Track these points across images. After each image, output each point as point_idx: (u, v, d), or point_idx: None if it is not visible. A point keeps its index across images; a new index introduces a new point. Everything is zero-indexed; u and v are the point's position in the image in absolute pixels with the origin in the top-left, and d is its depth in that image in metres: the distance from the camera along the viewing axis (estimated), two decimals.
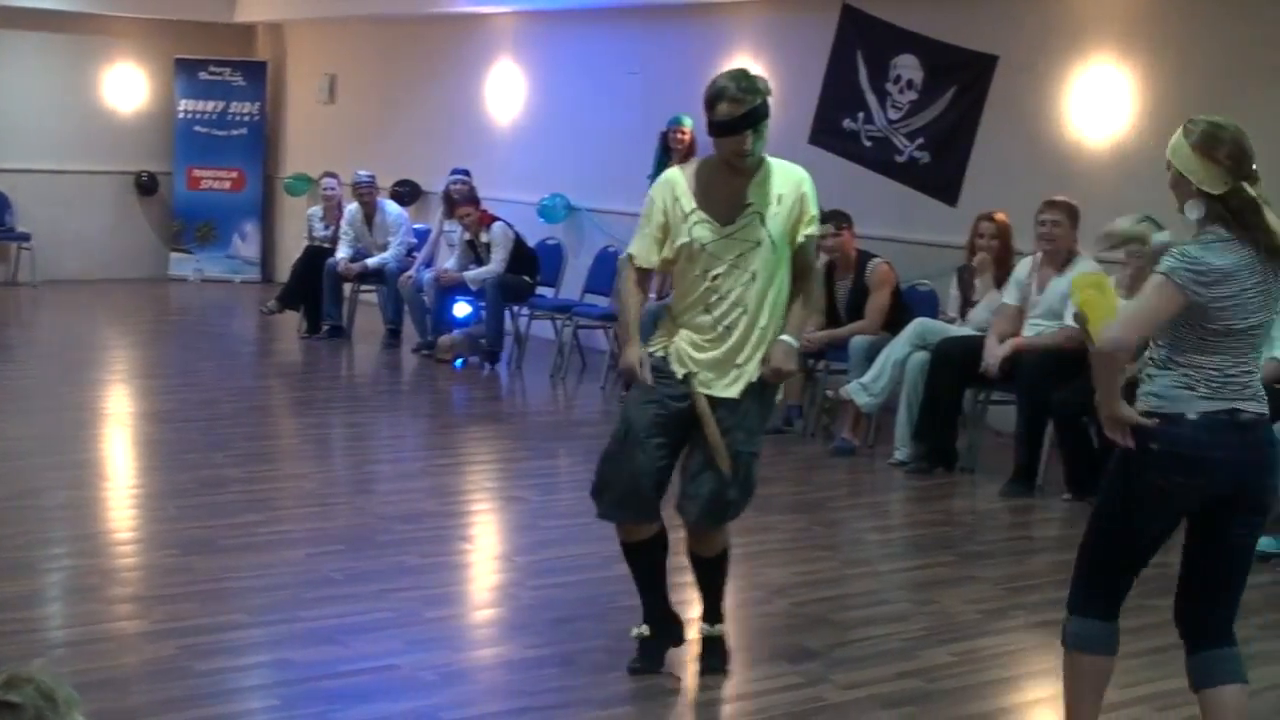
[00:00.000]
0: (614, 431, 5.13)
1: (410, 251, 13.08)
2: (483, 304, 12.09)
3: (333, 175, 13.84)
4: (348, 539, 6.83)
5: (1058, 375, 8.14)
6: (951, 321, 9.11)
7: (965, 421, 9.06)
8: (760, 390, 5.05)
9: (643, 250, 5.11)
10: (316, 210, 13.95)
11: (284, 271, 15.20)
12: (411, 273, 12.54)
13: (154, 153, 17.11)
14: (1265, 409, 4.18)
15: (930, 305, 9.61)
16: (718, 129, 4.98)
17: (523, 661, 5.38)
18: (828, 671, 5.30)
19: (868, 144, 10.82)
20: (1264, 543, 7.00)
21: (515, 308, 12.18)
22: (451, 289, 12.20)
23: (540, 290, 12.23)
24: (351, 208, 13.30)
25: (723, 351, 5.01)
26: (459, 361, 12.01)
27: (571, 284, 12.40)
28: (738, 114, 4.91)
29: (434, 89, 15.03)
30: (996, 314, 8.72)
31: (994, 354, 8.43)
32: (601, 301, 11.92)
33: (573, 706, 4.93)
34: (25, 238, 16.07)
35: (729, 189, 5.02)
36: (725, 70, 5.10)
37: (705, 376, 5.02)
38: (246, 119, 17.22)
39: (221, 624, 5.58)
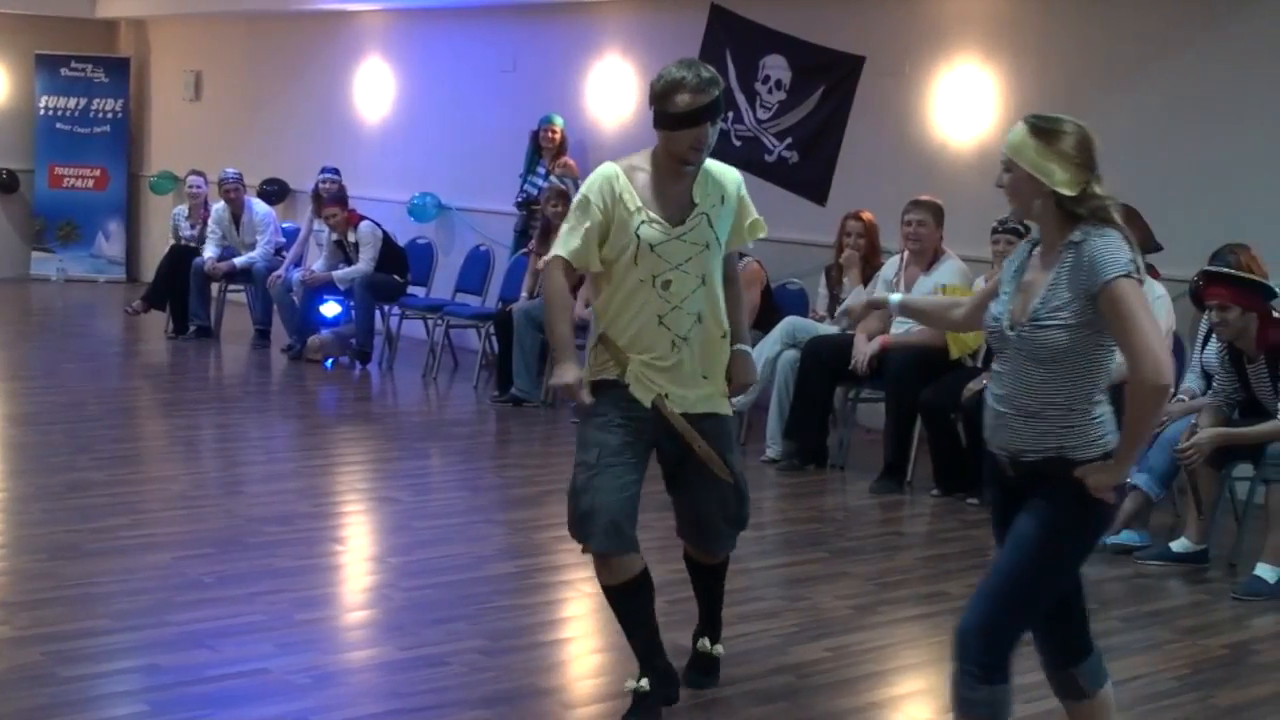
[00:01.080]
0: (580, 460, 4.75)
1: (278, 251, 12.95)
2: (352, 304, 12.01)
3: (199, 173, 13.66)
4: (217, 542, 6.75)
5: (925, 372, 8.25)
6: (821, 320, 9.19)
7: (835, 419, 9.15)
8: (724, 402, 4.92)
9: (579, 251, 4.69)
10: (182, 209, 13.76)
11: (149, 271, 14.97)
12: (280, 272, 12.41)
13: (14, 150, 16.79)
14: None
15: (800, 304, 9.70)
16: (676, 121, 4.64)
17: (396, 663, 5.34)
18: None
19: (737, 143, 10.89)
20: (1125, 536, 7.16)
21: (386, 307, 12.11)
22: (320, 289, 12.09)
23: (411, 290, 12.16)
24: (218, 206, 13.15)
25: (685, 363, 4.74)
26: (329, 362, 11.92)
27: (442, 283, 12.35)
28: (700, 105, 4.62)
29: (302, 86, 14.90)
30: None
31: (862, 351, 8.52)
32: (473, 300, 11.89)
33: (446, 707, 4.91)
34: None
35: (675, 188, 4.73)
36: (674, 62, 4.73)
37: (676, 395, 4.73)
38: (110, 116, 16.94)
39: (88, 629, 5.49)
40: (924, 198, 8.69)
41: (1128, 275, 3.72)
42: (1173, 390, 3.90)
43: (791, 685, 5.23)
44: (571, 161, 11.64)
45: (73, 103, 16.83)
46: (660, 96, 4.67)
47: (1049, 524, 3.90)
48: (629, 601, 4.90)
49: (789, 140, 10.63)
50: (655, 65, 11.32)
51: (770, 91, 10.76)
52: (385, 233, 12.02)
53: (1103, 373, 3.86)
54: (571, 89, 12.20)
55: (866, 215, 9.21)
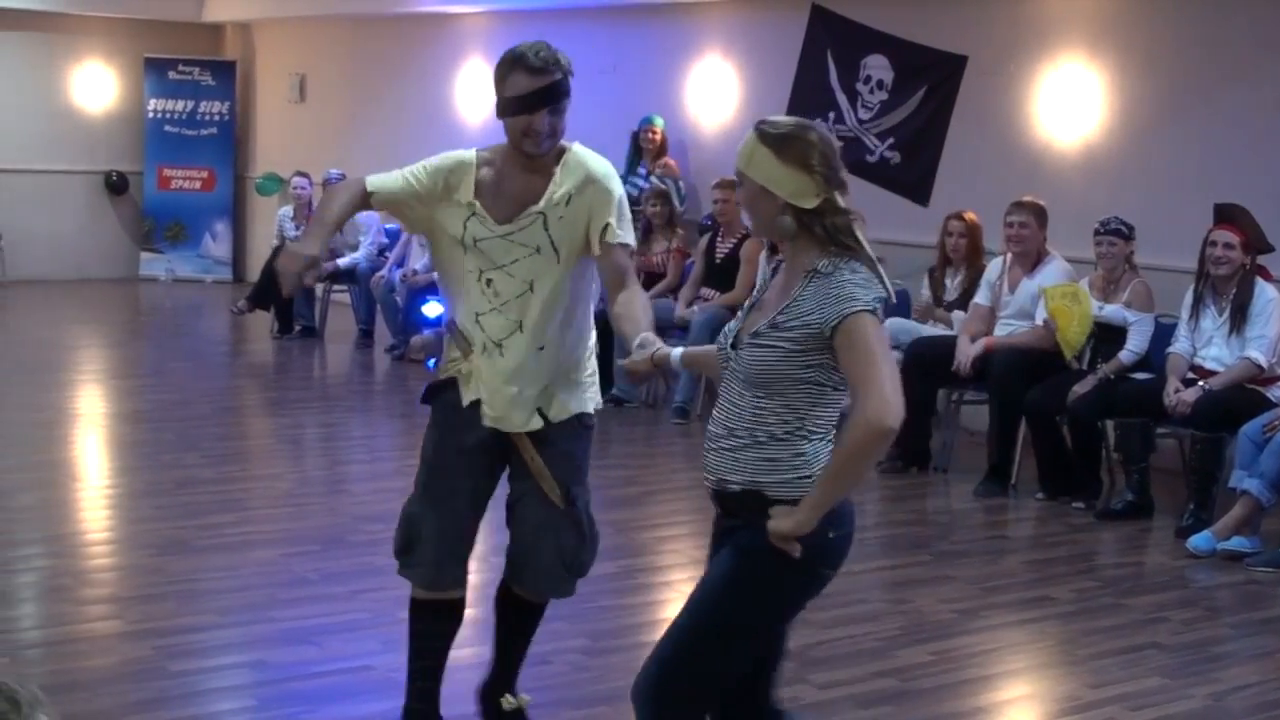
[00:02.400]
0: (417, 479, 4.45)
1: (382, 251, 13.05)
2: None
3: (304, 175, 13.80)
4: (321, 539, 6.82)
5: (1029, 374, 8.18)
6: (923, 321, 9.13)
7: (938, 421, 9.08)
8: (574, 429, 4.46)
9: (385, 180, 4.41)
10: (287, 210, 13.91)
11: (255, 271, 15.16)
12: (383, 273, 12.52)
13: (124, 152, 17.05)
14: None
15: (902, 305, 9.62)
16: (508, 106, 4.20)
17: None
18: (804, 671, 5.30)
19: (838, 144, 10.81)
20: (1235, 542, 7.05)
21: None
22: (422, 289, 12.18)
23: None
24: None
25: (499, 373, 4.28)
26: (431, 361, 11.99)
27: None
28: (534, 87, 4.15)
29: (405, 88, 15.01)
30: (969, 314, 8.75)
31: (966, 353, 8.46)
32: None
33: (547, 707, 4.93)
34: None
35: (521, 183, 4.27)
36: (526, 41, 4.30)
37: (494, 413, 4.31)
38: (216, 118, 17.16)
39: (195, 624, 5.57)
40: (1026, 199, 8.61)
41: (871, 311, 3.36)
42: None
43: (895, 689, 5.20)
44: (672, 162, 11.65)
45: (180, 105, 17.07)
46: (497, 78, 4.24)
47: (730, 572, 3.47)
48: (434, 625, 4.49)
49: (890, 140, 10.56)
50: (756, 66, 11.42)
51: (872, 92, 10.70)
52: None
53: (825, 408, 3.43)
54: (672, 90, 12.20)
55: (969, 216, 9.13)
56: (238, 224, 17.37)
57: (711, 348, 3.87)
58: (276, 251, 13.47)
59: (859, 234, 3.47)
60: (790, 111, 11.01)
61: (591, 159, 4.39)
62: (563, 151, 4.35)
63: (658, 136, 11.73)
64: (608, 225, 4.28)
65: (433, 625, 4.49)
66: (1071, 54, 9.67)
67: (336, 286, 13.48)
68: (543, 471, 4.36)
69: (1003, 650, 5.81)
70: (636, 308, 4.28)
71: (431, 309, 12.37)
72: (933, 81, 10.34)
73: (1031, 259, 8.53)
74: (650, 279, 10.83)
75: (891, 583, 6.64)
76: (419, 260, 12.42)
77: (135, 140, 17.07)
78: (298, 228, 13.60)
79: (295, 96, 16.66)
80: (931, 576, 6.68)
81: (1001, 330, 8.52)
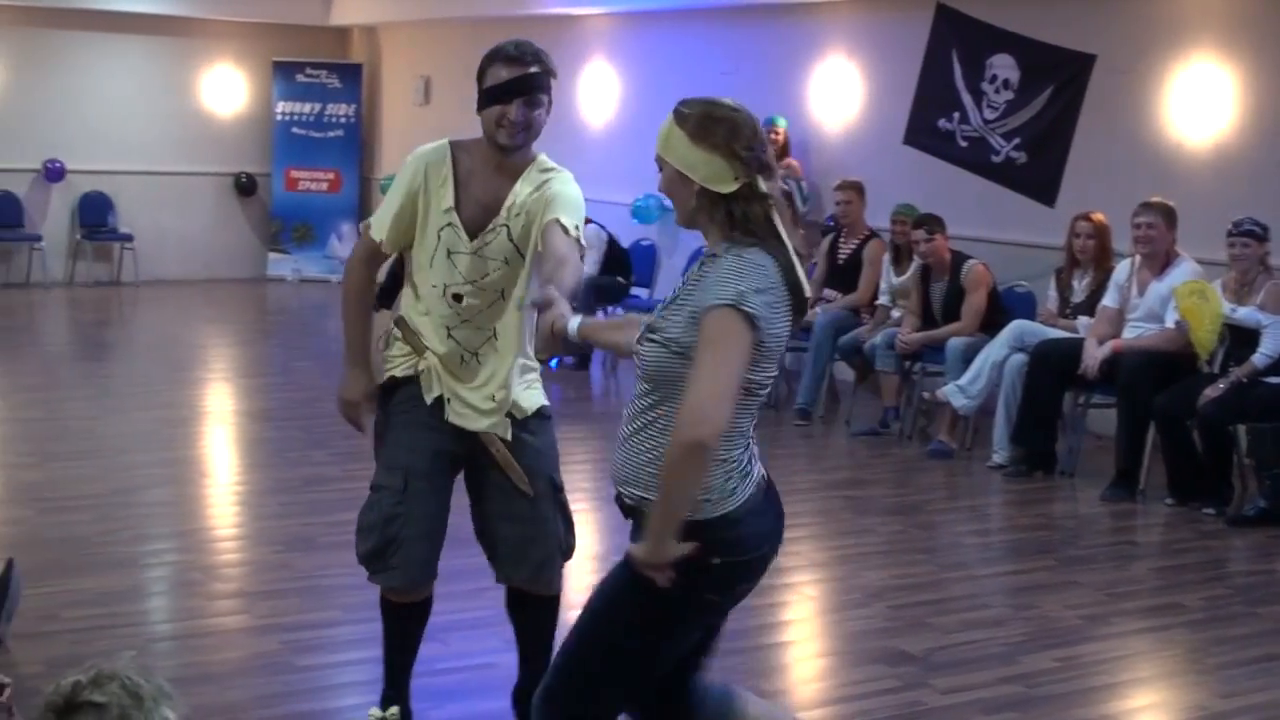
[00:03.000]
0: (381, 483, 4.35)
1: None
2: (577, 304, 12.09)
3: None
4: (446, 537, 6.85)
5: (1158, 378, 8.05)
6: (1050, 323, 9.01)
7: (1064, 424, 8.97)
8: (539, 422, 4.41)
9: (382, 225, 4.37)
10: None
11: (380, 271, 15.27)
12: None
13: (253, 154, 17.31)
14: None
15: (1028, 306, 9.53)
16: (485, 96, 4.22)
17: None
18: (927, 675, 5.27)
19: (963, 144, 10.75)
20: None
21: (609, 309, 12.20)
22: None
23: (634, 291, 12.23)
24: None
25: (476, 386, 4.28)
26: (554, 362, 12.04)
27: (665, 284, 12.40)
28: (510, 77, 4.19)
29: None
30: (1096, 316, 8.63)
31: (1093, 356, 8.34)
32: None
33: None
34: (128, 238, 16.32)
35: (488, 189, 4.26)
36: (511, 39, 4.35)
37: (462, 411, 4.28)
38: (343, 120, 17.37)
39: (322, 620, 5.64)
40: (1155, 199, 8.47)
41: (730, 306, 3.06)
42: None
43: (1020, 695, 5.14)
44: (795, 163, 11.61)
45: (308, 108, 17.30)
46: (478, 73, 4.27)
47: (611, 588, 3.28)
48: (406, 623, 4.53)
49: (1017, 140, 10.45)
50: (880, 66, 11.35)
51: (997, 91, 10.59)
52: (610, 235, 12.12)
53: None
54: (794, 90, 12.15)
55: (1097, 217, 9.00)
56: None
57: (614, 321, 3.74)
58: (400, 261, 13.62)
59: (776, 221, 3.24)
60: (915, 112, 10.96)
61: (555, 168, 4.36)
62: (532, 160, 4.33)
63: (780, 137, 11.69)
64: (548, 223, 4.10)
65: (410, 625, 4.54)
66: (1203, 52, 9.50)
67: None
68: (512, 464, 4.30)
69: (1130, 658, 5.73)
70: (564, 271, 3.90)
71: None
72: (1060, 81, 10.21)
73: (1160, 261, 8.39)
74: None
75: (1016, 588, 6.56)
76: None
77: (263, 142, 17.33)
78: None
79: (420, 99, 16.81)
80: (1057, 582, 6.59)
81: (1130, 333, 8.40)
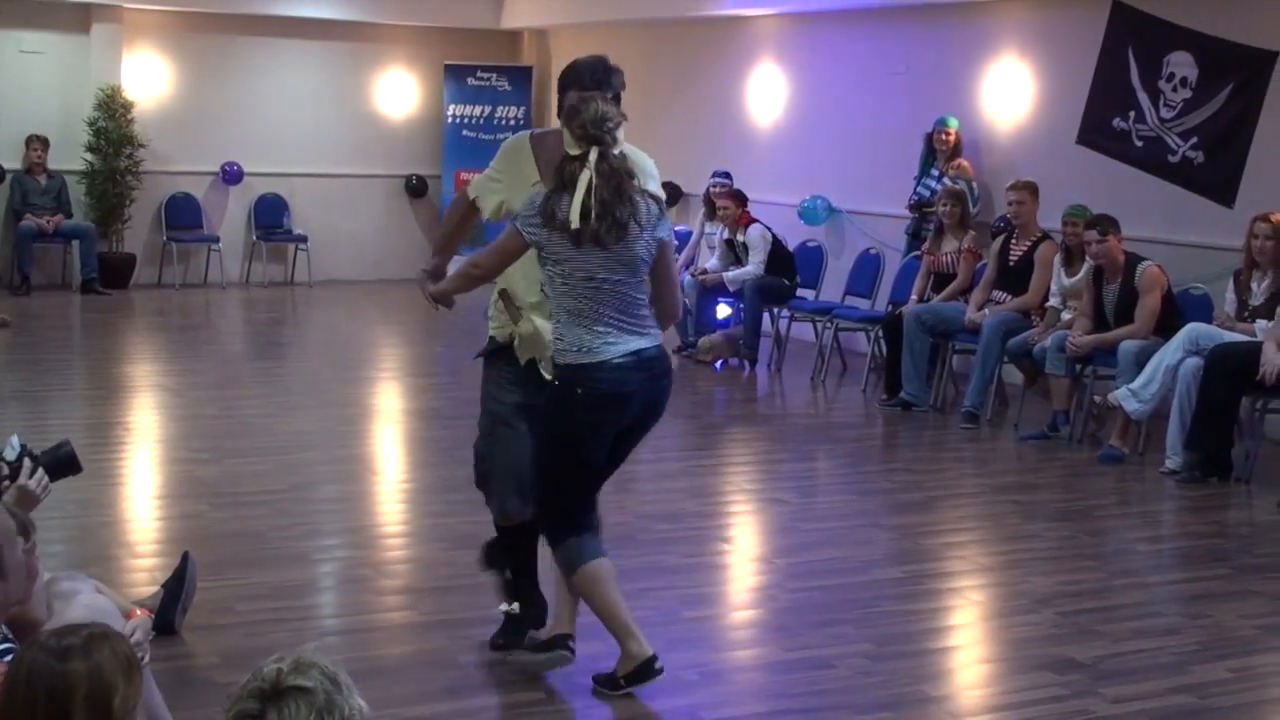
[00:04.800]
0: (479, 428, 5.24)
1: None
2: (742, 305, 12.11)
3: None
4: (608, 537, 6.81)
5: None
6: (1227, 327, 8.81)
7: (1241, 430, 8.76)
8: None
9: (483, 191, 5.19)
10: None
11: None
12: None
13: (423, 156, 17.55)
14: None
15: (1204, 309, 9.31)
16: (568, 116, 4.83)
17: (781, 664, 5.37)
18: (1095, 684, 5.17)
19: (1139, 144, 10.55)
20: None
21: (775, 310, 12.17)
22: (713, 291, 12.26)
23: (800, 292, 12.19)
24: None
25: (541, 334, 5.01)
26: (719, 363, 12.05)
27: (832, 286, 12.33)
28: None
29: (696, 91, 15.11)
30: (1276, 320, 8.41)
31: (1273, 361, 8.13)
32: (862, 304, 11.83)
33: (831, 710, 4.90)
34: (302, 239, 16.64)
35: None
36: (585, 56, 5.07)
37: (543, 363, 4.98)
38: (512, 122, 17.53)
39: (486, 618, 5.67)
40: None
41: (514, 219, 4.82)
42: None
43: (1192, 706, 5.02)
44: (966, 163, 11.48)
45: (478, 110, 17.49)
46: (560, 88, 5.01)
47: (539, 427, 4.94)
48: (517, 541, 5.33)
49: (1194, 140, 10.23)
50: (1053, 65, 11.19)
51: (1175, 90, 10.38)
52: (775, 236, 12.10)
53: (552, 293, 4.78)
54: (965, 90, 12.02)
55: (1277, 217, 8.75)
56: None
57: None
58: None
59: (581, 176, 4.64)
60: (1089, 111, 10.78)
61: (638, 154, 5.01)
62: None
63: (951, 137, 11.57)
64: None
65: (515, 542, 5.35)
66: None
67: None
68: None
69: None
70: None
71: (722, 310, 12.46)
72: (1240, 78, 9.97)
73: None
74: (940, 280, 10.70)
75: (1189, 596, 6.43)
76: (708, 260, 12.50)
77: (434, 144, 17.55)
78: None
79: None
80: (1232, 591, 6.43)
81: None
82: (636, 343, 4.76)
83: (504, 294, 5.11)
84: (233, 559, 6.28)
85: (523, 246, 4.72)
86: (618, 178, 4.68)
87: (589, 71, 4.94)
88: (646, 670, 4.91)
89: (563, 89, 4.97)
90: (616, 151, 4.72)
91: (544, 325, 4.93)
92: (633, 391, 4.75)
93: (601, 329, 4.69)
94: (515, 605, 5.36)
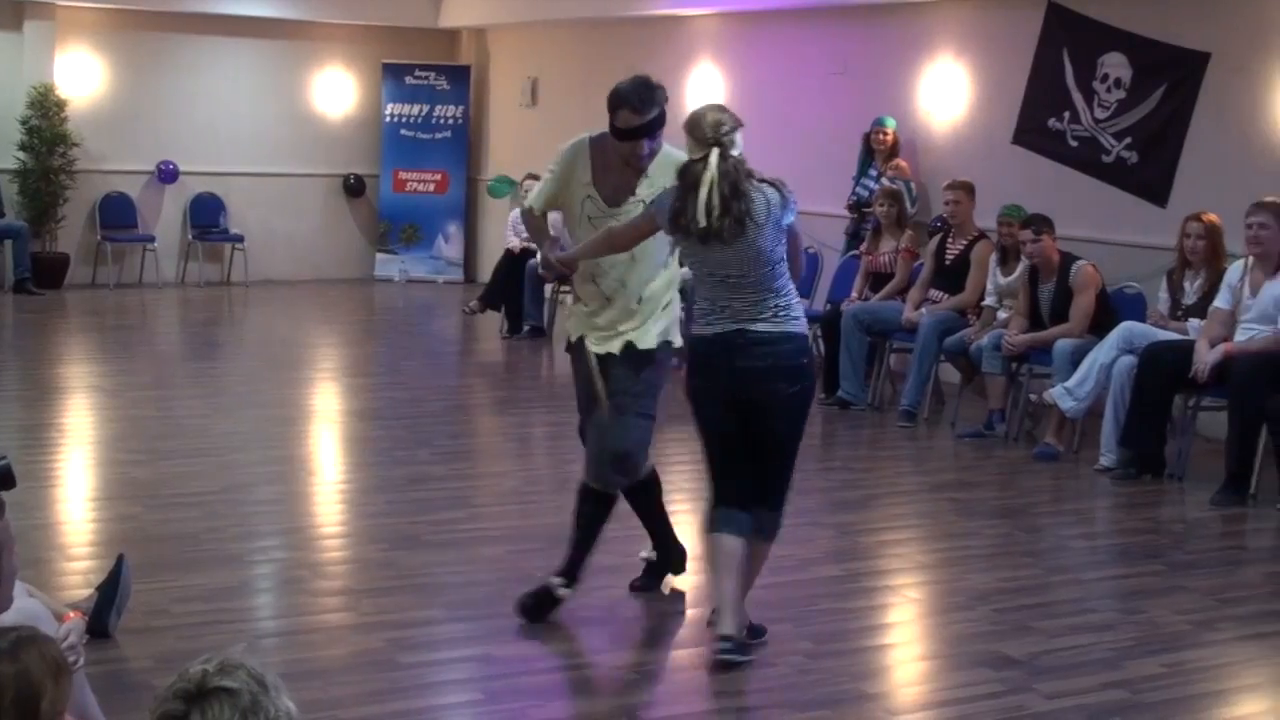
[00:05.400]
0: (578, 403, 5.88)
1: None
2: (682, 305, 12.08)
3: (534, 177, 13.95)
4: (548, 537, 6.87)
5: (1271, 381, 7.92)
6: (1160, 325, 8.89)
7: (1174, 427, 8.84)
8: (639, 357, 5.63)
9: (537, 194, 5.86)
10: (518, 212, 14.10)
11: (486, 272, 15.42)
12: None
13: (361, 155, 17.49)
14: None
15: (1138, 308, 9.40)
16: (617, 134, 5.43)
17: (720, 662, 5.37)
18: (1031, 679, 5.21)
19: (1073, 144, 10.64)
20: None
21: None
22: None
23: None
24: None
25: (604, 318, 5.64)
26: (674, 360, 12.03)
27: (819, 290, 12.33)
28: (635, 124, 5.37)
29: None
30: (1208, 318, 8.49)
31: (1204, 359, 8.22)
32: (813, 304, 11.84)
33: (770, 709, 4.92)
34: (239, 239, 16.54)
35: (622, 176, 5.54)
36: (629, 78, 5.49)
37: (595, 336, 5.66)
38: (450, 122, 17.50)
39: (426, 618, 5.68)
40: (1268, 199, 8.31)
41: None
42: None
43: (1125, 701, 5.07)
44: (904, 163, 11.54)
45: (416, 109, 17.44)
46: (609, 108, 5.45)
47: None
48: (594, 508, 5.71)
49: (1128, 140, 10.32)
50: (990, 66, 11.25)
51: (1109, 90, 10.47)
52: None
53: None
54: (903, 90, 12.08)
55: (1209, 217, 8.86)
56: (469, 226, 17.69)
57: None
58: (508, 254, 13.72)
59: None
60: (1025, 112, 10.86)
61: (677, 156, 5.38)
62: (658, 150, 5.53)
63: (889, 138, 11.63)
64: None
65: (593, 510, 5.71)
66: None
67: (564, 287, 13.62)
68: (598, 394, 5.66)
69: (1239, 665, 5.64)
70: None
71: None
72: (1173, 79, 10.07)
73: (1274, 261, 8.24)
74: (877, 279, 10.75)
75: (1123, 592, 6.48)
76: None
77: (372, 144, 17.49)
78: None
79: (527, 100, 16.90)
80: (1165, 587, 6.49)
81: (1242, 335, 8.26)
82: (733, 324, 5.20)
83: (573, 284, 5.82)
84: (168, 561, 6.23)
85: (654, 228, 5.27)
86: (735, 176, 5.04)
87: (635, 94, 5.38)
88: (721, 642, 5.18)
89: (613, 109, 5.42)
90: (735, 153, 5.10)
91: (579, 309, 5.72)
92: (719, 366, 5.22)
93: (718, 312, 5.20)
94: (654, 553, 6.00)
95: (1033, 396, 9.39)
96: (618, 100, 5.39)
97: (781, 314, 5.19)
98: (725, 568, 5.22)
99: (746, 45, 13.81)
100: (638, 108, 5.36)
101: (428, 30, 17.40)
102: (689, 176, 5.07)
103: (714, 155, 5.04)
